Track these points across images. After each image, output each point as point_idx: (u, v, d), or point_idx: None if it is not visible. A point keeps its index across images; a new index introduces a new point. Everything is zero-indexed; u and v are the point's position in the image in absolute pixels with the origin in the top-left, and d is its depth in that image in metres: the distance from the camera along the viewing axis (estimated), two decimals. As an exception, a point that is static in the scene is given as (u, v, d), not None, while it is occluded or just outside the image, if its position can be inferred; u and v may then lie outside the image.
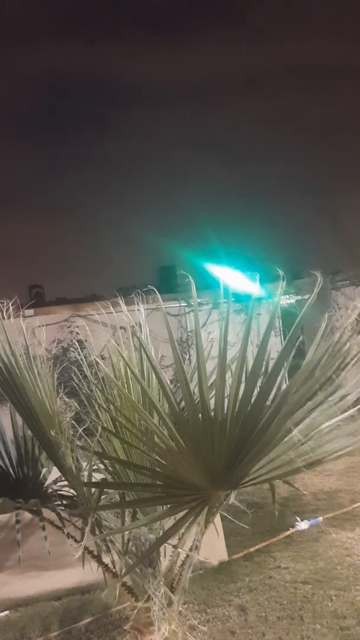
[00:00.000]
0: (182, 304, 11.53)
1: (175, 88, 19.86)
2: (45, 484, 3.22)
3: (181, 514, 2.57)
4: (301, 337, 2.59)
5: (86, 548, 2.75)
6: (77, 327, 8.86)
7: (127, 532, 2.77)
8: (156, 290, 2.81)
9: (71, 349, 8.93)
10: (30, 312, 10.25)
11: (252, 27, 20.33)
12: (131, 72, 20.13)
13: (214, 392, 2.41)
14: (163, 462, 2.49)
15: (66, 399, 2.92)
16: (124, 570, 2.85)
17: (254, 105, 20.21)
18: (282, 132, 20.09)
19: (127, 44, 20.14)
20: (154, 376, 2.96)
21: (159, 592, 2.83)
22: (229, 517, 3.34)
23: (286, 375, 2.49)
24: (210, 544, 4.81)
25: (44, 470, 3.26)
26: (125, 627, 3.11)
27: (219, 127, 20.81)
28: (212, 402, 2.39)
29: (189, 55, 20.02)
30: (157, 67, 20.19)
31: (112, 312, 3.27)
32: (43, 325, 3.66)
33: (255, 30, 20.22)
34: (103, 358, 3.21)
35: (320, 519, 6.05)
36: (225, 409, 2.38)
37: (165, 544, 2.78)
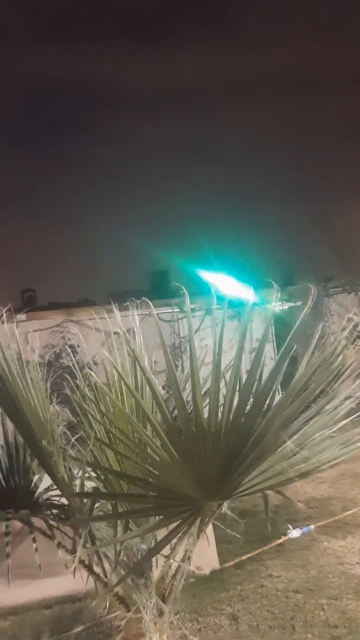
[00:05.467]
0: (174, 310, 11.52)
1: (168, 94, 19.91)
2: (37, 493, 3.20)
3: (174, 524, 2.55)
4: (294, 347, 2.58)
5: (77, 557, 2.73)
6: (70, 332, 8.84)
7: (119, 543, 2.75)
8: (148, 300, 2.80)
9: (63, 354, 8.90)
10: (23, 316, 10.24)
11: (242, 33, 20.40)
12: (121, 78, 20.17)
13: (207, 402, 2.40)
14: (156, 472, 2.48)
15: (59, 408, 2.90)
16: (115, 581, 2.82)
17: (247, 111, 20.28)
18: (275, 138, 20.17)
19: (116, 50, 20.17)
20: (147, 385, 2.94)
21: (151, 602, 2.81)
22: (220, 525, 3.32)
23: (279, 387, 2.48)
24: (202, 552, 4.78)
25: (35, 479, 3.23)
26: (116, 638, 3.08)
27: (213, 133, 20.87)
28: (205, 412, 2.38)
29: (180, 61, 20.10)
30: (150, 73, 20.25)
31: (105, 318, 3.26)
32: (35, 331, 3.63)
33: (245, 36, 20.30)
34: (95, 364, 3.19)
35: (312, 527, 6.04)
36: (219, 419, 2.37)
37: (157, 554, 2.76)
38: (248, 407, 2.34)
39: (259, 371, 2.38)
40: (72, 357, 3.35)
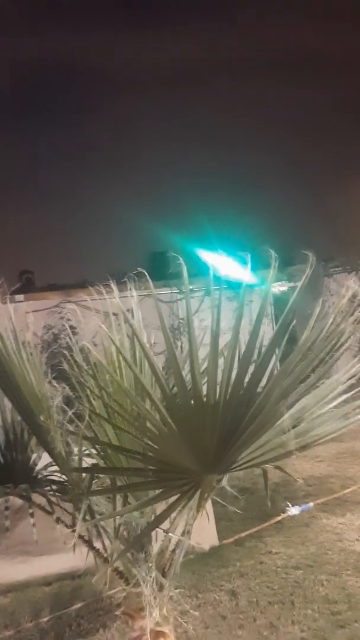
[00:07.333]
0: (173, 291, 11.50)
1: (165, 73, 19.64)
2: (36, 469, 3.19)
3: (173, 498, 2.54)
4: (294, 323, 2.56)
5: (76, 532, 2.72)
6: (68, 312, 8.81)
7: (118, 517, 2.74)
8: (147, 275, 2.76)
9: (62, 334, 8.88)
10: (21, 297, 10.21)
11: (239, 12, 20.08)
12: (117, 58, 19.85)
13: (206, 378, 2.38)
14: (155, 446, 2.47)
15: (56, 384, 2.89)
16: (115, 556, 2.82)
17: (245, 91, 20.05)
18: (275, 118, 19.97)
19: (112, 29, 19.87)
20: (146, 362, 2.93)
21: (150, 577, 2.81)
22: (220, 501, 3.33)
23: (278, 362, 2.46)
24: (201, 529, 4.81)
25: (34, 456, 3.23)
26: (116, 613, 3.09)
27: (211, 113, 20.65)
28: (204, 387, 2.36)
29: (175, 40, 19.77)
30: (144, 53, 19.95)
31: (104, 298, 3.23)
32: (31, 312, 3.60)
33: (243, 15, 19.99)
34: (95, 345, 3.17)
35: (311, 504, 6.08)
36: (217, 393, 2.35)
37: (157, 529, 2.76)
38: (246, 380, 2.32)
39: (257, 343, 2.36)
40: (71, 336, 3.32)
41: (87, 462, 2.86)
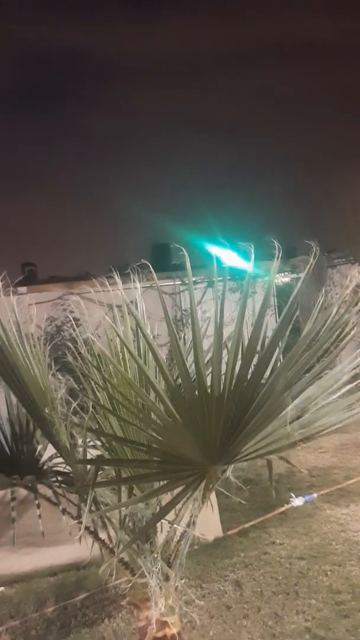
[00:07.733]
0: (176, 283, 11.48)
1: (169, 63, 19.54)
2: (41, 461, 3.20)
3: (178, 489, 2.55)
4: (297, 313, 2.56)
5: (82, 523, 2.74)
6: (71, 304, 8.81)
7: (123, 508, 2.75)
8: (150, 266, 2.76)
9: (65, 327, 8.87)
10: (23, 289, 10.19)
11: (241, 1, 19.95)
12: (123, 48, 19.76)
13: (210, 369, 2.38)
14: (160, 438, 2.47)
15: (61, 376, 2.89)
16: (120, 546, 2.83)
17: (248, 80, 19.95)
18: (277, 108, 19.89)
19: (116, 19, 19.75)
20: (149, 353, 2.93)
21: (156, 567, 2.82)
22: (225, 492, 3.33)
23: (281, 353, 2.46)
24: (205, 520, 4.83)
25: (40, 447, 3.24)
26: (122, 603, 3.10)
27: (216, 104, 20.58)
28: (208, 379, 2.36)
29: (179, 29, 19.66)
30: (148, 42, 19.85)
31: (107, 290, 3.22)
32: (36, 303, 3.59)
33: (246, 4, 19.84)
34: (98, 336, 3.17)
35: (315, 495, 6.09)
36: (222, 384, 2.36)
37: (162, 520, 2.77)
38: (250, 371, 2.32)
39: (260, 334, 2.36)
40: (75, 327, 3.32)
41: (92, 454, 2.87)
